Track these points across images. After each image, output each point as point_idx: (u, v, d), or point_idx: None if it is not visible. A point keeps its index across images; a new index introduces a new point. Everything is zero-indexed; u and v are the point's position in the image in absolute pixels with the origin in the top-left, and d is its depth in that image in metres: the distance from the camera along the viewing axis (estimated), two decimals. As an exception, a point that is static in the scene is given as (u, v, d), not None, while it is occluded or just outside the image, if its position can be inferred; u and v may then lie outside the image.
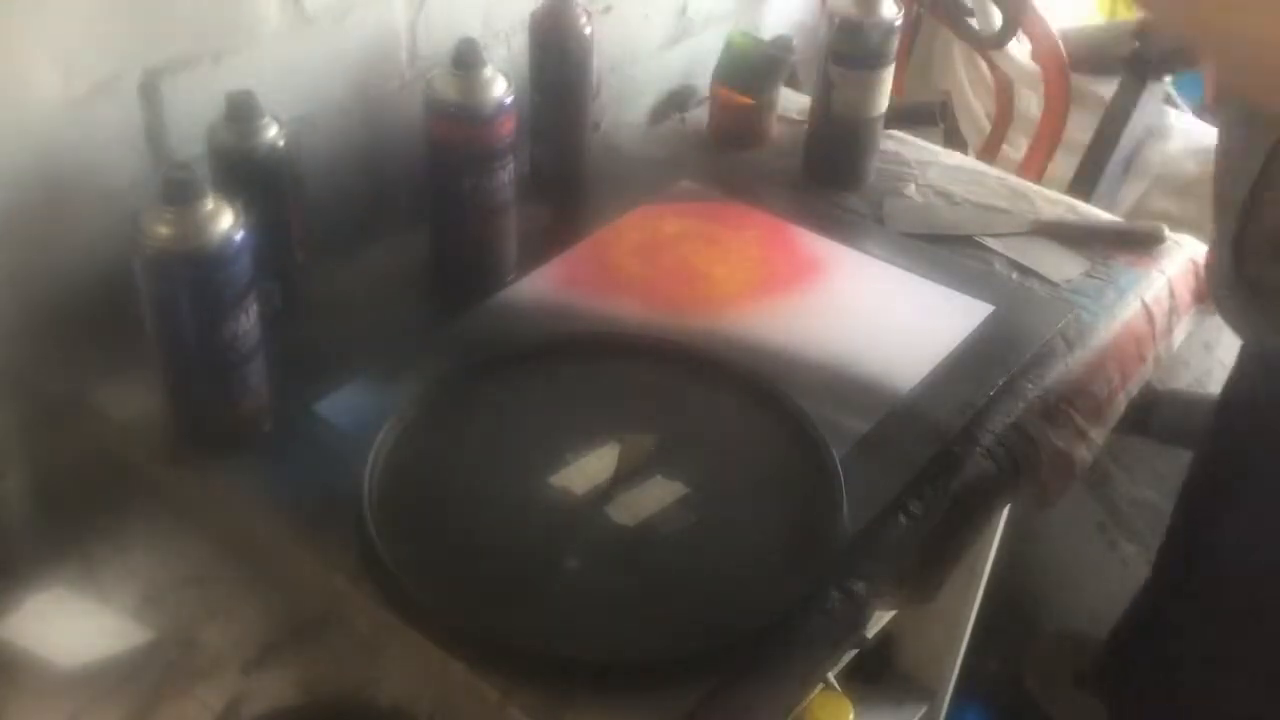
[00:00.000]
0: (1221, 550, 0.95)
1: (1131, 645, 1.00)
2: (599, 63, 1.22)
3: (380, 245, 1.14)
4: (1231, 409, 1.03)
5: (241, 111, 0.94)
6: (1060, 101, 1.74)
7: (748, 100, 1.35)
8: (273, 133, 0.96)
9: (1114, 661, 1.02)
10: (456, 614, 0.80)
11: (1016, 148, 1.85)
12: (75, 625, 0.88)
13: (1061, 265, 1.21)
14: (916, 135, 1.43)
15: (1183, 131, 1.80)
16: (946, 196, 1.31)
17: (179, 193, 0.83)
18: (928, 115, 1.48)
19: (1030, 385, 1.06)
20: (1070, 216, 1.29)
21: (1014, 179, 1.35)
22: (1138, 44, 1.69)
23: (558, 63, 1.17)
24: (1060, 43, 1.71)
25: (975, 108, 1.97)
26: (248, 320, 0.88)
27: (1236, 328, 1.02)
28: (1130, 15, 1.92)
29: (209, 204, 0.84)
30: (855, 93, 1.24)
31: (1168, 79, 1.75)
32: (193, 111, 0.97)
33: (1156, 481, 1.66)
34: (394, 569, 0.82)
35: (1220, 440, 1.05)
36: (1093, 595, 1.81)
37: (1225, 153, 1.01)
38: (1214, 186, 1.03)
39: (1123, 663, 1.02)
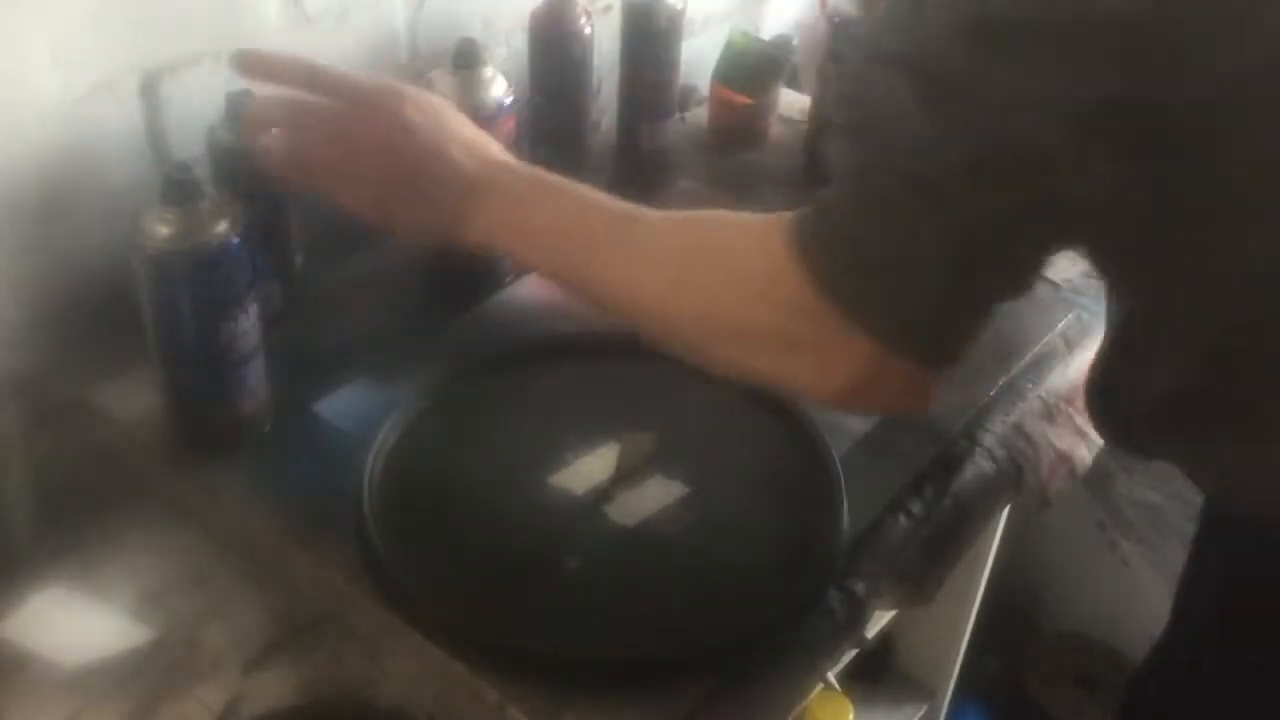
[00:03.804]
0: (1242, 581, 0.91)
1: (1155, 686, 0.97)
2: (599, 63, 1.22)
3: (380, 245, 1.14)
4: None
5: (241, 111, 0.94)
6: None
7: (748, 100, 1.35)
8: (273, 133, 0.95)
9: (1139, 704, 0.99)
10: (456, 614, 0.80)
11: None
12: (75, 625, 0.88)
13: (1061, 265, 1.21)
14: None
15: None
16: (946, 196, 1.31)
17: (179, 193, 0.83)
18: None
19: (1030, 385, 1.06)
20: (1070, 216, 1.29)
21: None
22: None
23: (558, 63, 1.17)
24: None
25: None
26: (248, 320, 0.88)
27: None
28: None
29: (209, 204, 0.84)
30: (855, 93, 1.24)
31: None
32: (193, 111, 0.97)
33: (1156, 482, 1.66)
34: (394, 569, 0.82)
35: None
36: (1093, 595, 1.81)
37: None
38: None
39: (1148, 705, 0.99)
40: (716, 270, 0.72)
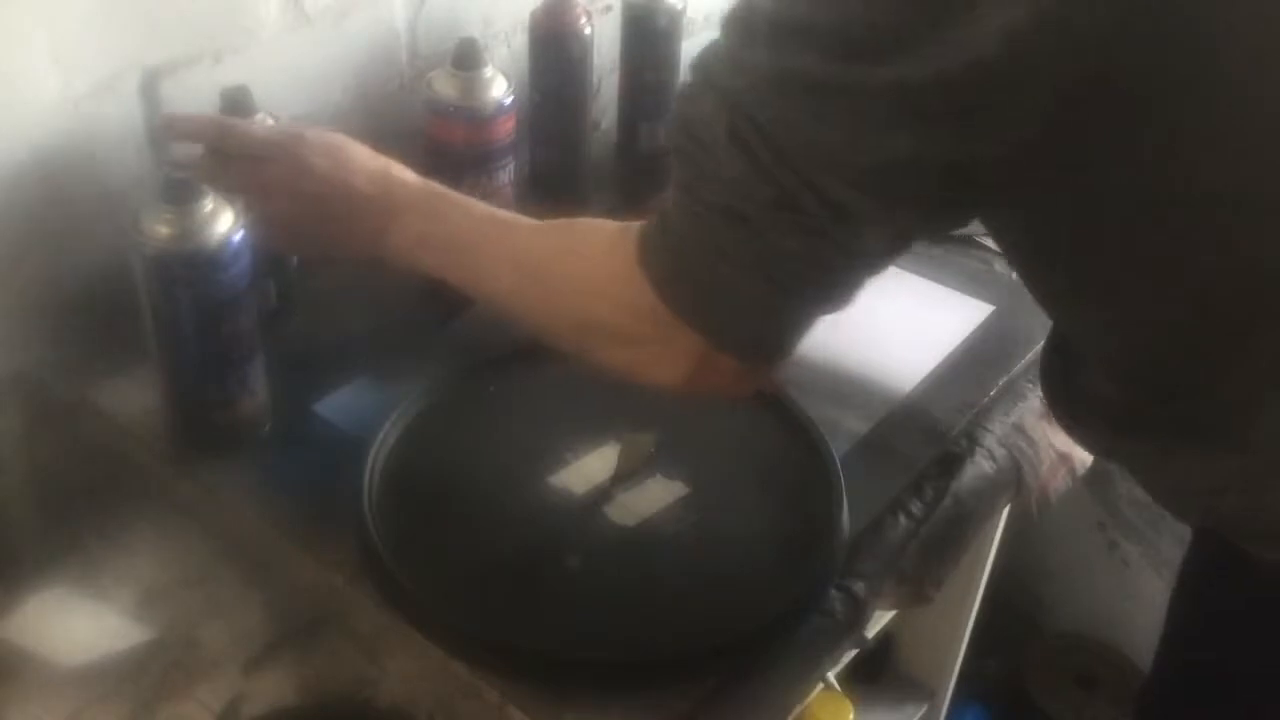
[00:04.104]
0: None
1: (1155, 686, 0.97)
2: (599, 63, 1.22)
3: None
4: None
5: (235, 107, 0.94)
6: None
7: (748, 100, 1.35)
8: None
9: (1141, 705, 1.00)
10: (456, 614, 0.80)
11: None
12: (75, 625, 0.88)
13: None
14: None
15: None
16: (946, 196, 1.31)
17: (179, 193, 0.83)
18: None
19: (1030, 385, 1.06)
20: (1070, 216, 1.29)
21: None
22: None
23: (558, 63, 1.17)
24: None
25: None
26: (248, 320, 0.88)
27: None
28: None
29: (209, 204, 0.84)
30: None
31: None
32: (193, 111, 0.97)
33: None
34: (394, 569, 0.82)
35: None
36: (1093, 595, 1.81)
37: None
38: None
39: None
40: (572, 273, 0.78)
